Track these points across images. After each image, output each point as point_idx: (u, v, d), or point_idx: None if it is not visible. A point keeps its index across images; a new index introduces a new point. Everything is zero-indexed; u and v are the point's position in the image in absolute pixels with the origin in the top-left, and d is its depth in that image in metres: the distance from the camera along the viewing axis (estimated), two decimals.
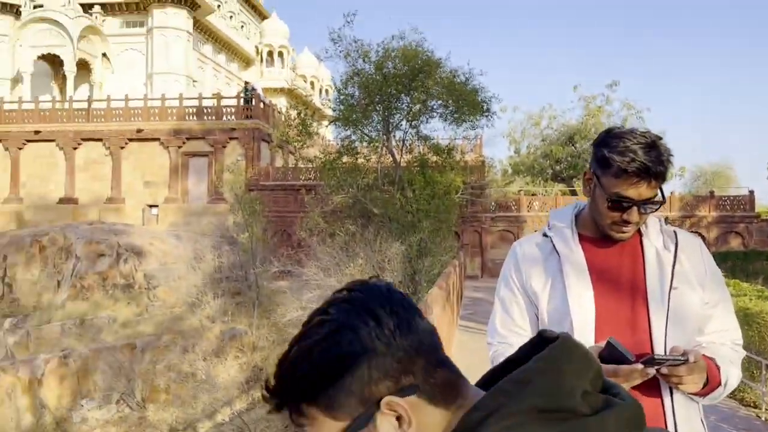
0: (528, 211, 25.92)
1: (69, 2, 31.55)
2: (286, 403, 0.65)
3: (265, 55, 43.38)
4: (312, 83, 49.05)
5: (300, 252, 21.05)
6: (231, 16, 40.83)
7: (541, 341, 0.68)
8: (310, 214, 19.71)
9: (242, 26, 42.68)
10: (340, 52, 17.47)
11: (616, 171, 1.31)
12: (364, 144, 19.07)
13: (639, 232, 1.43)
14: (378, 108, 17.84)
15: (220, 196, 25.67)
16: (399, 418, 0.63)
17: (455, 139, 21.60)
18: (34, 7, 31.95)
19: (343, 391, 0.62)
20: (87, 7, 32.39)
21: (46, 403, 17.56)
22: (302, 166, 26.48)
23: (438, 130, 29.53)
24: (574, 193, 31.63)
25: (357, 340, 0.62)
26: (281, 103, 41.32)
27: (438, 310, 6.29)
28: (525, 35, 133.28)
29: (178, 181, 26.16)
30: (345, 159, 18.74)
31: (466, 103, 17.21)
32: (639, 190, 1.31)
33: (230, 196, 25.41)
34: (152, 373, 17.54)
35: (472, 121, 18.00)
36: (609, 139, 1.36)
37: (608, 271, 1.43)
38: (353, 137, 18.78)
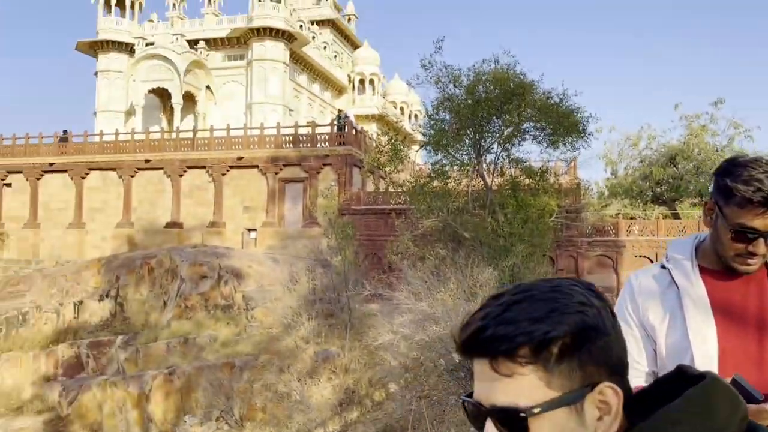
0: (627, 235, 24.81)
1: (177, 39, 33.94)
2: (498, 348, 0.66)
3: (357, 83, 44.58)
4: (402, 109, 49.80)
5: (390, 275, 21.22)
6: (325, 47, 42.32)
7: (680, 377, 0.67)
8: (400, 237, 19.86)
9: (335, 56, 44.11)
10: (431, 78, 17.67)
11: (740, 201, 1.26)
12: (455, 168, 19.07)
13: (765, 264, 1.37)
14: (469, 132, 17.82)
15: (314, 221, 26.39)
16: (600, 408, 0.63)
17: (549, 161, 21.19)
18: (146, 45, 34.59)
19: (574, 362, 0.62)
20: (192, 43, 34.70)
21: (153, 418, 18.56)
22: (392, 190, 26.85)
23: (532, 152, 29.13)
24: (676, 216, 29.99)
25: (599, 318, 0.64)
26: (372, 129, 42.20)
27: None
28: (618, 53, 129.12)
29: (275, 205, 27.18)
30: (435, 183, 18.80)
31: (562, 124, 16.84)
32: (765, 221, 1.25)
33: (323, 221, 26.10)
34: (250, 392, 18.11)
35: (568, 143, 17.58)
36: (732, 168, 1.31)
37: (732, 305, 1.37)
38: (444, 161, 18.83)
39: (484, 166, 18.80)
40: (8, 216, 30.14)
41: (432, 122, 18.48)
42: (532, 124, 17.61)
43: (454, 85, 17.86)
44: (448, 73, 17.50)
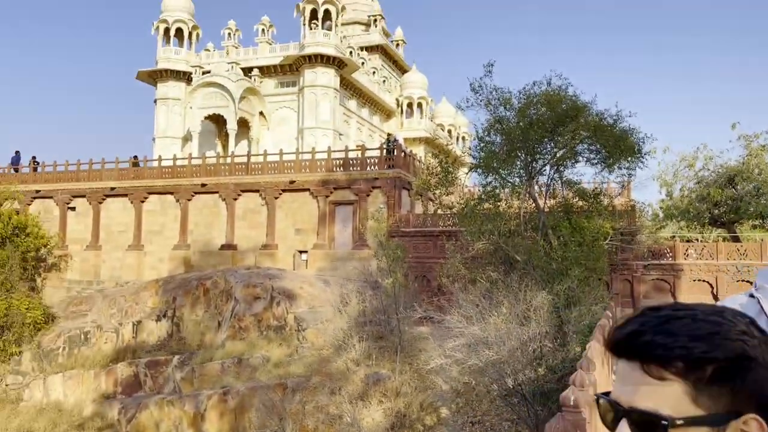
0: (684, 258, 24.07)
1: (232, 67, 35.11)
2: (653, 353, 0.68)
3: (405, 107, 45.02)
4: (450, 131, 49.96)
5: (441, 298, 21.15)
6: (374, 72, 42.97)
7: None
8: (450, 260, 19.81)
9: (384, 81, 44.71)
10: (481, 100, 17.71)
11: None
12: (506, 190, 18.99)
13: None
14: (520, 154, 17.75)
15: (364, 242, 26.62)
16: None
17: (602, 182, 20.87)
18: (203, 73, 35.89)
19: (725, 386, 0.63)
20: (247, 71, 35.82)
21: None
22: (441, 212, 26.85)
23: (585, 174, 28.55)
24: (736, 239, 28.95)
25: (758, 351, 0.65)
26: (420, 151, 42.45)
27: (598, 366, 6.04)
28: (671, 73, 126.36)
29: (325, 228, 27.55)
30: (486, 205, 18.74)
31: (617, 146, 16.62)
32: None
33: (373, 243, 26.28)
34: (302, 414, 18.25)
35: (624, 165, 17.31)
36: None
37: None
38: (494, 183, 18.77)
39: (536, 188, 18.65)
40: (72, 238, 31.48)
41: (482, 144, 18.47)
42: (585, 146, 17.41)
43: (505, 107, 17.86)
44: (499, 96, 17.53)
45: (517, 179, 18.29)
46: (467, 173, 21.15)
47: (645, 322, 0.71)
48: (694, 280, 23.86)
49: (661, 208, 35.43)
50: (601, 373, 6.74)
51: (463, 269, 19.07)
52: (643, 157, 17.28)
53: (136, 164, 31.27)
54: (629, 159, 17.13)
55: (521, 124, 17.03)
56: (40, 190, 32.10)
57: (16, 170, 33.06)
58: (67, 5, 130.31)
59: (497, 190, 18.60)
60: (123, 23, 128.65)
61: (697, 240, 31.53)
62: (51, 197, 31.96)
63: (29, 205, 31.83)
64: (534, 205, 18.56)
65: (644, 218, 32.24)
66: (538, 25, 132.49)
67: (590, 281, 17.40)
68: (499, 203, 18.70)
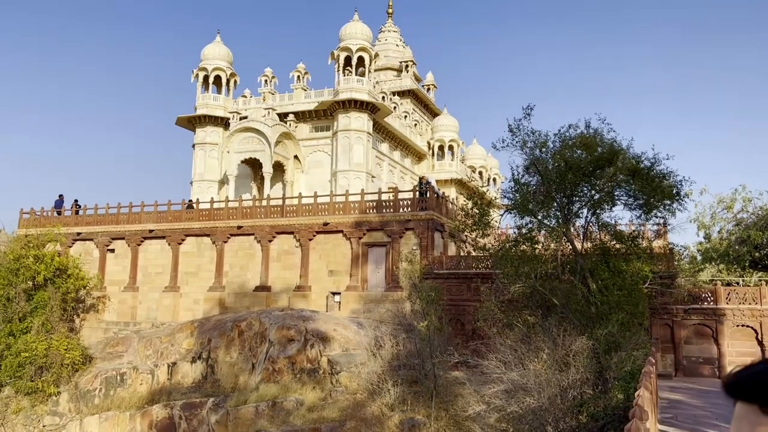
0: (726, 302, 23.44)
1: (268, 113, 36.05)
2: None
3: (436, 149, 45.46)
4: (481, 173, 50.13)
5: (476, 341, 20.88)
6: (405, 116, 43.63)
7: None
8: (486, 303, 19.62)
9: (415, 124, 45.31)
10: (517, 142, 17.83)
11: None
12: (542, 232, 18.89)
13: None
14: (556, 196, 17.72)
15: (397, 284, 26.59)
16: None
17: (639, 225, 20.62)
18: (240, 119, 36.89)
19: None
20: (282, 116, 36.73)
21: None
22: (475, 254, 26.74)
23: (622, 218, 28.04)
24: None
25: None
26: (452, 193, 42.61)
27: (651, 415, 5.91)
28: (705, 113, 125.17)
29: (358, 269, 27.62)
30: (522, 247, 18.64)
31: (654, 190, 16.49)
32: None
33: (406, 284, 26.22)
34: None
35: (661, 209, 17.13)
36: None
37: None
38: (530, 225, 18.71)
39: (573, 230, 18.51)
40: (110, 280, 32.12)
41: (517, 186, 18.49)
42: (623, 189, 17.31)
43: (540, 150, 17.93)
44: (535, 138, 17.64)
45: (554, 221, 18.21)
46: (501, 215, 21.12)
47: (764, 369, 0.76)
48: (738, 326, 23.17)
49: (699, 250, 34.74)
50: (653, 423, 6.59)
51: (498, 313, 18.86)
52: (681, 201, 17.09)
53: (190, 206, 31.85)
54: (667, 203, 16.95)
55: (558, 166, 17.05)
56: (81, 233, 32.99)
57: (59, 213, 34.08)
58: (112, 54, 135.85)
59: (533, 232, 18.52)
60: (164, 71, 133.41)
61: (738, 283, 30.72)
62: (91, 239, 32.80)
63: (70, 247, 32.67)
64: (571, 247, 18.38)
65: (682, 261, 31.66)
66: (568, 67, 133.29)
67: (630, 326, 17.04)
68: (535, 246, 18.58)
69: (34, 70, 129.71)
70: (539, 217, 18.32)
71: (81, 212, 33.90)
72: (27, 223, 33.51)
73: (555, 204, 17.91)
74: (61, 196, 34.77)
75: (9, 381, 24.90)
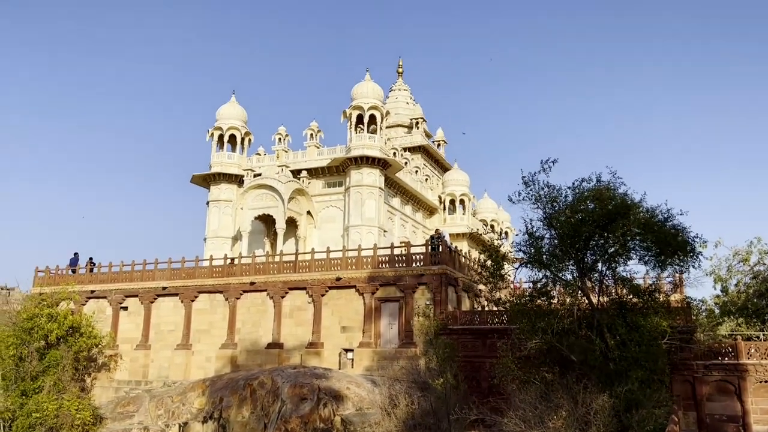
0: (748, 358, 22.89)
1: (282, 170, 36.62)
2: None
3: (447, 203, 45.73)
4: (492, 226, 50.16)
5: (493, 399, 20.45)
6: (416, 171, 44.13)
7: None
8: (502, 359, 19.31)
9: (426, 179, 45.77)
10: (531, 195, 17.96)
11: None
12: (557, 286, 18.77)
13: None
14: (571, 250, 17.69)
15: (411, 340, 26.31)
16: None
17: (654, 279, 20.43)
18: (254, 176, 37.46)
19: None
20: (296, 173, 37.29)
21: None
22: (490, 309, 26.48)
23: (638, 271, 27.68)
24: None
25: None
26: (463, 246, 42.58)
27: None
28: (715, 163, 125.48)
29: (371, 325, 27.41)
30: (538, 302, 18.49)
31: (669, 244, 16.47)
32: None
33: (420, 340, 25.94)
34: None
35: (676, 264, 17.06)
36: None
37: None
38: (545, 279, 18.61)
39: (589, 284, 18.39)
40: (122, 338, 32.02)
41: (532, 240, 18.50)
42: (637, 242, 17.29)
43: (552, 204, 18.03)
44: (549, 192, 17.77)
45: (569, 275, 18.12)
46: (516, 269, 21.04)
47: None
48: (761, 381, 22.56)
49: (716, 303, 34.21)
50: None
51: (516, 369, 18.55)
52: (695, 256, 17.03)
53: (232, 262, 31.79)
54: (681, 258, 16.89)
55: (571, 220, 17.10)
56: (95, 290, 33.13)
57: (74, 271, 34.34)
58: (130, 113, 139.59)
59: (548, 287, 18.41)
60: (180, 130, 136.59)
61: (758, 338, 30.08)
62: (105, 297, 32.90)
63: (84, 304, 32.75)
64: (587, 302, 18.21)
65: (700, 315, 31.16)
66: (577, 119, 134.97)
67: (650, 383, 16.69)
68: (551, 300, 18.44)
69: (52, 129, 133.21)
70: (554, 271, 18.24)
71: (95, 270, 34.14)
72: (42, 281, 33.74)
73: (570, 257, 17.87)
74: (76, 254, 35.13)
75: None
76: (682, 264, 17.53)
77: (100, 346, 30.32)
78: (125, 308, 32.56)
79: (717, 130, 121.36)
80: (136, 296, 32.25)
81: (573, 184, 17.85)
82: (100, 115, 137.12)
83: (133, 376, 30.73)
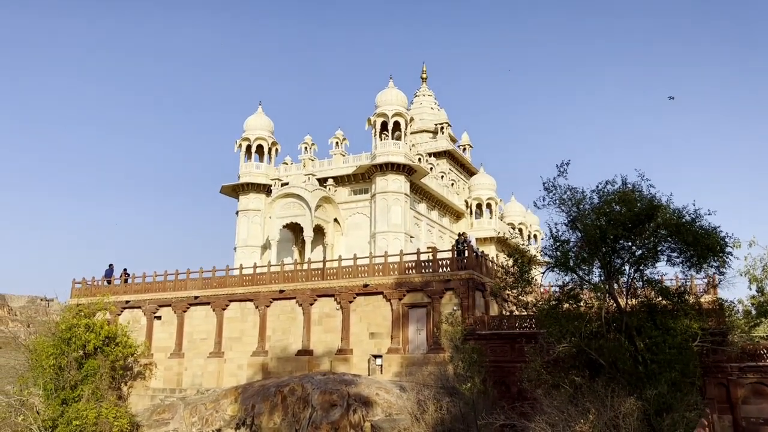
0: None
1: (308, 179, 37.06)
2: None
3: (474, 208, 45.64)
4: (520, 230, 49.89)
5: (522, 403, 20.37)
6: (442, 176, 44.18)
7: None
8: (531, 363, 19.23)
9: (452, 183, 45.77)
10: (555, 200, 17.92)
11: None
12: (585, 290, 18.65)
13: None
14: (598, 253, 17.58)
15: (439, 346, 26.36)
16: None
17: (685, 280, 20.16)
18: (281, 185, 37.98)
19: None
20: (322, 181, 37.70)
21: None
22: (517, 314, 26.37)
23: (667, 273, 27.22)
24: None
25: None
26: (491, 251, 42.44)
27: None
28: (748, 161, 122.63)
29: (399, 331, 27.53)
30: (566, 305, 18.39)
31: (698, 245, 16.24)
32: None
33: (448, 346, 25.95)
34: None
35: (707, 265, 16.81)
36: None
37: None
38: (572, 283, 18.50)
39: (616, 287, 18.24)
40: (157, 347, 32.72)
41: (557, 244, 18.43)
42: (666, 244, 17.10)
43: (577, 207, 17.95)
44: (572, 195, 17.70)
45: (596, 278, 18.01)
46: (543, 273, 20.97)
47: None
48: None
49: (752, 304, 33.44)
50: None
51: (544, 373, 18.46)
52: (727, 256, 16.75)
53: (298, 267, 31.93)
54: (712, 258, 16.63)
55: (597, 223, 17.02)
56: (129, 301, 33.93)
57: (109, 282, 35.21)
58: (161, 126, 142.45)
59: (576, 290, 18.31)
60: (209, 141, 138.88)
61: None
62: (139, 307, 33.67)
63: (119, 315, 33.57)
64: (615, 305, 18.07)
65: (735, 316, 30.48)
66: (602, 118, 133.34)
67: (682, 386, 16.46)
68: (579, 304, 18.33)
69: (83, 146, 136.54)
70: (581, 274, 18.14)
71: (130, 281, 34.95)
72: (78, 293, 34.67)
73: (597, 261, 17.75)
74: (111, 265, 36.00)
75: None
76: (713, 264, 17.26)
77: (135, 355, 31.07)
78: (159, 318, 33.27)
79: (744, 128, 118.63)
80: (169, 306, 32.93)
81: (597, 186, 17.77)
82: (132, 130, 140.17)
83: (167, 384, 31.37)
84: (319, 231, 36.26)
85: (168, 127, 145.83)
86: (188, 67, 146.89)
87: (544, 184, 17.87)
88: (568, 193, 17.98)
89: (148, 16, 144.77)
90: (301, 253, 36.94)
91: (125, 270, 35.62)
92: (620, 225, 16.90)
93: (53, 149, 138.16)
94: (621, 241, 17.57)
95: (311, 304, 29.61)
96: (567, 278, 18.72)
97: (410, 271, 28.14)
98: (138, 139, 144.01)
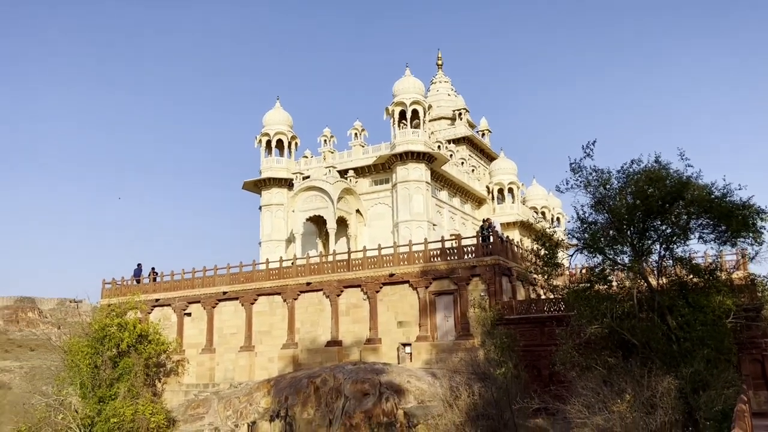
0: None
1: (329, 171, 37.17)
2: None
3: (495, 193, 45.45)
4: (543, 213, 49.56)
5: (554, 387, 20.35)
6: (462, 162, 44.01)
7: None
8: (563, 346, 19.18)
9: (473, 170, 45.57)
10: (580, 182, 17.77)
11: None
12: (615, 270, 18.53)
13: None
14: (626, 233, 17.44)
15: (468, 332, 26.39)
16: None
17: (715, 257, 19.91)
18: (303, 179, 38.15)
19: None
20: (343, 173, 37.77)
21: None
22: (545, 297, 26.28)
23: (698, 251, 26.82)
24: None
25: None
26: (515, 235, 42.24)
27: None
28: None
29: (427, 318, 27.60)
30: (596, 287, 18.29)
31: (729, 221, 16.02)
32: None
33: (477, 332, 25.98)
34: None
35: (740, 240, 16.58)
36: None
37: None
38: (602, 264, 18.39)
39: (647, 267, 18.08)
40: (188, 343, 33.19)
41: (585, 225, 18.30)
42: (696, 222, 16.89)
43: (604, 188, 17.79)
44: (598, 177, 17.55)
45: (626, 258, 17.88)
46: (571, 255, 20.86)
47: None
48: None
49: None
50: None
51: (576, 356, 18.41)
52: (759, 231, 16.48)
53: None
54: (744, 233, 16.38)
55: (624, 203, 16.87)
56: (159, 299, 34.43)
57: (138, 281, 35.75)
58: (180, 131, 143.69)
59: (606, 271, 18.20)
60: (230, 138, 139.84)
61: None
62: (169, 305, 34.15)
63: (150, 313, 34.08)
64: (645, 285, 17.93)
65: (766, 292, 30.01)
66: (626, 104, 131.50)
67: (717, 363, 16.32)
68: (609, 284, 18.23)
69: (104, 146, 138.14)
70: (610, 255, 18.02)
71: (158, 279, 35.45)
72: (109, 293, 35.25)
73: (625, 240, 17.61)
74: (139, 264, 36.53)
75: None
76: (744, 240, 17.02)
77: (167, 351, 31.56)
78: (189, 314, 33.72)
79: None
80: (199, 302, 33.36)
81: (622, 166, 17.58)
82: (154, 130, 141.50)
83: (200, 380, 31.85)
84: (342, 223, 36.40)
85: (189, 127, 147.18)
86: (205, 66, 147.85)
87: (570, 164, 17.72)
88: (594, 174, 17.82)
89: (165, 17, 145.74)
90: (325, 245, 37.13)
91: (153, 269, 36.12)
92: (648, 204, 16.73)
93: (79, 154, 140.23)
94: (650, 220, 17.41)
95: (338, 296, 29.79)
96: (596, 260, 18.63)
97: (435, 259, 28.15)
98: (160, 141, 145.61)
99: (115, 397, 27.39)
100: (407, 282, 28.33)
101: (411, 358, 27.35)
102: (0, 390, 64.89)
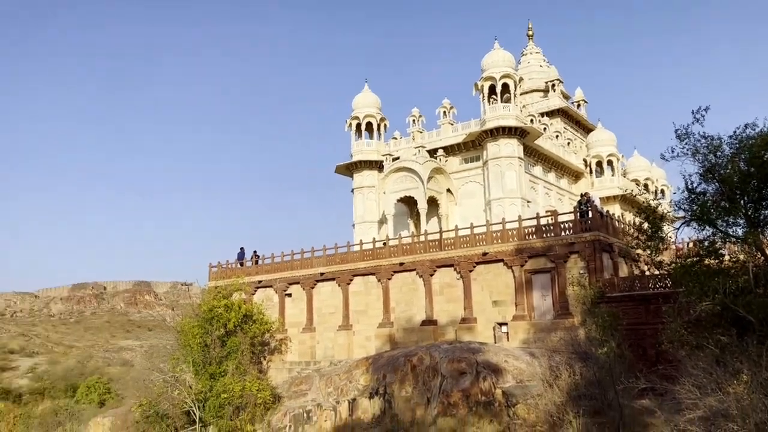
0: None
1: (419, 151, 37.07)
2: None
3: (594, 166, 43.60)
4: (646, 185, 47.03)
5: (662, 366, 19.37)
6: (557, 136, 42.51)
7: None
8: (670, 325, 18.17)
9: (568, 143, 43.95)
10: (687, 150, 16.59)
11: None
12: (727, 243, 17.26)
13: None
14: (739, 203, 16.16)
15: (567, 311, 25.62)
16: None
17: None
18: (393, 160, 38.31)
19: None
20: (432, 152, 37.55)
21: None
22: (649, 273, 24.97)
23: None
24: None
25: None
26: (615, 210, 40.42)
27: None
28: None
29: (523, 297, 27.05)
30: (706, 262, 17.13)
31: None
32: None
33: (577, 311, 25.16)
34: None
35: None
36: None
37: None
38: (712, 237, 17.17)
39: (763, 238, 16.69)
40: (289, 322, 34.47)
41: (693, 196, 17.10)
42: None
43: (714, 155, 16.53)
44: (708, 143, 16.31)
45: (739, 230, 16.59)
46: (678, 228, 19.64)
47: None
48: None
49: None
50: None
51: (685, 334, 17.38)
52: None
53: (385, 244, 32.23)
54: None
55: (738, 170, 15.60)
56: (261, 281, 35.92)
57: (241, 264, 37.44)
58: (273, 123, 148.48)
59: (717, 244, 16.98)
60: (323, 122, 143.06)
61: None
62: (271, 286, 35.56)
63: (253, 294, 35.67)
64: (762, 257, 16.57)
65: None
66: (729, 71, 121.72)
67: None
68: (721, 258, 17.01)
69: (203, 145, 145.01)
70: (721, 227, 16.78)
71: (260, 262, 36.96)
72: (216, 276, 37.18)
73: (739, 211, 16.32)
74: (242, 248, 38.25)
75: (213, 420, 27.48)
76: None
77: (271, 331, 32.94)
78: (289, 295, 34.96)
79: None
80: (298, 283, 34.49)
81: (735, 132, 16.22)
82: (249, 126, 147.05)
83: (302, 357, 33.04)
84: (432, 202, 36.28)
85: (282, 117, 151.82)
86: (293, 57, 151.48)
87: (676, 131, 16.54)
88: (702, 141, 16.58)
89: (249, 17, 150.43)
90: (417, 225, 37.19)
91: (255, 252, 37.69)
92: (765, 171, 15.39)
93: (182, 153, 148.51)
94: (766, 189, 16.02)
95: (431, 275, 29.79)
96: (706, 233, 17.42)
97: (530, 237, 27.45)
98: (255, 134, 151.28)
99: (224, 374, 28.94)
100: (501, 261, 27.85)
101: (507, 338, 26.96)
102: (124, 367, 70.63)
